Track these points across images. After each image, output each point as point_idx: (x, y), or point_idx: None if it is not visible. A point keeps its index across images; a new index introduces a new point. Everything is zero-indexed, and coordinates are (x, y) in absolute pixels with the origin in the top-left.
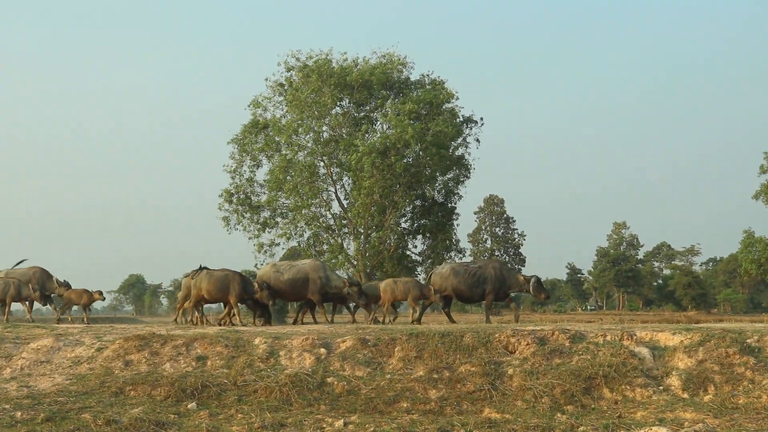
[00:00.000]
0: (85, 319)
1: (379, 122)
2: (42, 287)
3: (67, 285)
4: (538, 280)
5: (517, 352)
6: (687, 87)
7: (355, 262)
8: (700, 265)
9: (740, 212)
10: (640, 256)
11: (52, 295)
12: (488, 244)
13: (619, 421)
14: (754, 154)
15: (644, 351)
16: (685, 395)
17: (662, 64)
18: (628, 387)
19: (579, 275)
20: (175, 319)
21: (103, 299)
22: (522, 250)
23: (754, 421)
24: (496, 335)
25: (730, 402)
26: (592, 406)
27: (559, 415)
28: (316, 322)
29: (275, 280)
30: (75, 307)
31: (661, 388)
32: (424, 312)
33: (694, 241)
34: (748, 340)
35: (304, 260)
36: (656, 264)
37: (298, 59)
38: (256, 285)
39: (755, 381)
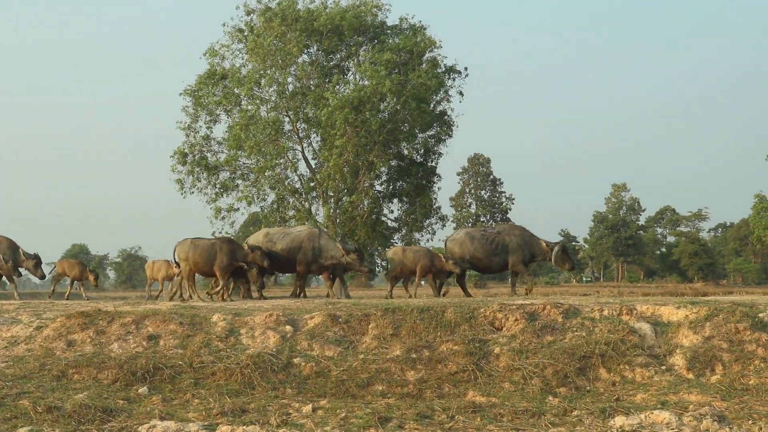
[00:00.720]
0: (84, 295)
1: (351, 72)
2: (12, 259)
3: (36, 257)
4: (563, 247)
5: (504, 328)
6: (698, 26)
7: (325, 229)
8: (708, 232)
9: (752, 173)
10: (642, 221)
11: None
12: (473, 208)
13: (617, 404)
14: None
15: (645, 327)
16: (690, 375)
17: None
18: (627, 367)
19: (574, 243)
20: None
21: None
22: (510, 215)
23: (766, 404)
24: (482, 310)
25: (740, 383)
26: (588, 388)
27: (550, 398)
28: (298, 296)
29: (267, 250)
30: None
31: (663, 367)
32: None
33: (702, 205)
34: (760, 315)
35: (299, 227)
36: (659, 230)
37: (259, 1)
38: (245, 246)
39: (767, 360)
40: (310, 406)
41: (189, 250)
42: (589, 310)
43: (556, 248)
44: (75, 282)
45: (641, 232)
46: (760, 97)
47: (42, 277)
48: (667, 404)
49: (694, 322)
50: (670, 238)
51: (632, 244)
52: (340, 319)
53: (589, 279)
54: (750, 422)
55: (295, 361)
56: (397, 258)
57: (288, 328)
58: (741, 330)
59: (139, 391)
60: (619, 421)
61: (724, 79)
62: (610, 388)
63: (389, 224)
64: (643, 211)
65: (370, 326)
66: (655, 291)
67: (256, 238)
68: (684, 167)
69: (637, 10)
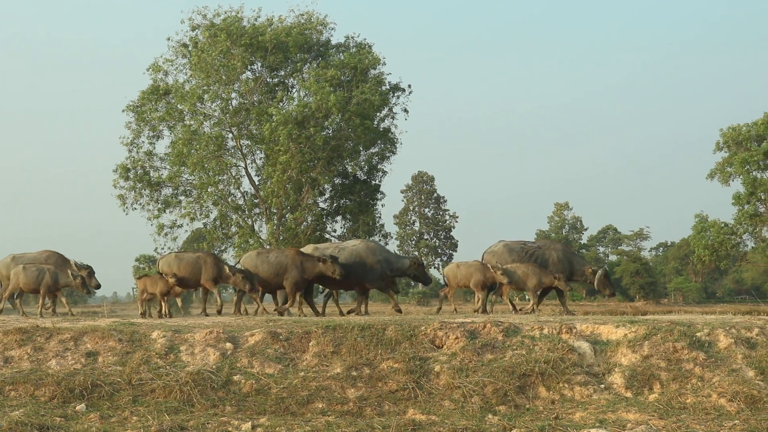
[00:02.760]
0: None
1: (296, 89)
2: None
3: (88, 268)
4: (606, 273)
5: (445, 346)
6: (635, 59)
7: (268, 246)
8: (650, 251)
9: (693, 193)
10: (584, 240)
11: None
12: (416, 226)
13: (556, 422)
14: (709, 130)
15: (584, 346)
16: (629, 394)
17: (611, 32)
18: (567, 385)
19: None
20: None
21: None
22: (453, 233)
23: (702, 422)
24: (422, 328)
25: (678, 401)
26: (527, 406)
27: (490, 416)
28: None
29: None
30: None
31: (602, 386)
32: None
33: (643, 224)
34: (698, 334)
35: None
36: (601, 249)
37: (204, 16)
38: (226, 268)
39: (705, 378)
40: (250, 423)
41: (174, 264)
42: (529, 328)
43: (599, 272)
44: None
45: (583, 250)
46: (700, 117)
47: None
48: (606, 423)
49: (632, 341)
50: (612, 257)
51: None
52: (281, 337)
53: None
54: None
55: (235, 378)
56: (452, 273)
57: (228, 345)
58: (679, 349)
59: (77, 408)
60: None
61: (664, 98)
62: (550, 406)
63: (333, 241)
64: (586, 229)
65: (310, 344)
66: (596, 309)
67: (249, 256)
68: (626, 186)
69: (565, 20)
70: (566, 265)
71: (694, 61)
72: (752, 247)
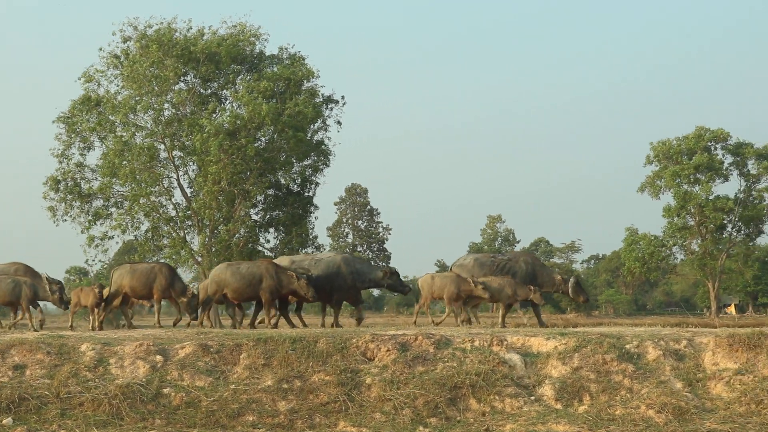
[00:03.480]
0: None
1: (228, 100)
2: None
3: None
4: (577, 280)
5: (376, 359)
6: (570, 76)
7: (200, 258)
8: (581, 263)
9: (624, 206)
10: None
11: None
12: (350, 238)
13: None
14: (640, 143)
15: (515, 358)
16: (559, 406)
17: (548, 50)
18: (497, 397)
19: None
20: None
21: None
22: (387, 245)
23: None
24: (354, 340)
25: (607, 413)
26: (458, 418)
27: (421, 428)
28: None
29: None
30: None
31: (532, 398)
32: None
33: (575, 237)
34: (627, 346)
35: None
36: None
37: (135, 28)
38: (189, 289)
39: (633, 390)
40: None
41: (127, 276)
42: (460, 340)
43: (571, 280)
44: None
45: None
46: (632, 130)
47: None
48: None
49: (563, 353)
50: None
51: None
52: (212, 349)
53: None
54: None
55: (165, 391)
56: (427, 285)
57: (158, 357)
58: (608, 361)
59: (3, 422)
60: None
61: (597, 112)
62: (480, 418)
63: (266, 254)
64: (518, 242)
65: (241, 356)
66: (527, 321)
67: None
68: (558, 199)
69: (500, 35)
70: (535, 277)
71: (625, 75)
72: (682, 260)
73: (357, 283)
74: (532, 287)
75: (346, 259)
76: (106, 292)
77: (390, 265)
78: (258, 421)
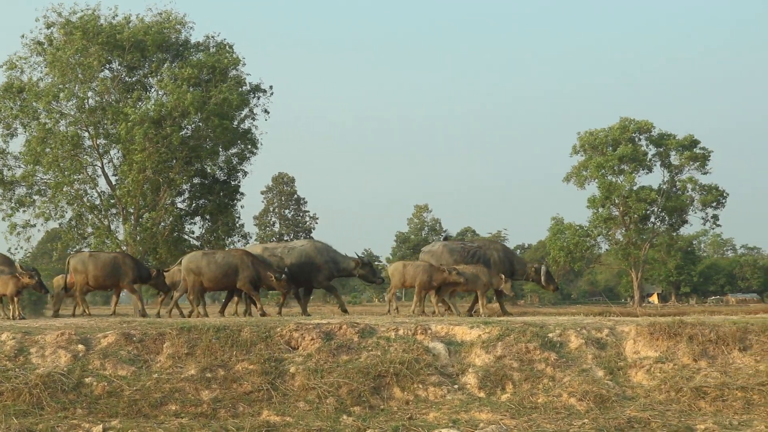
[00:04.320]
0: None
1: (153, 88)
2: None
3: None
4: (548, 268)
5: (300, 347)
6: (501, 68)
7: (125, 247)
8: None
9: (550, 196)
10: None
11: None
12: (276, 227)
13: (410, 422)
14: (566, 134)
15: (439, 347)
16: (482, 394)
17: (481, 47)
18: (421, 386)
19: (377, 263)
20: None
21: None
22: (314, 234)
23: (553, 422)
24: (278, 329)
25: (529, 401)
26: (381, 406)
27: (344, 417)
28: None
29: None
30: None
31: (456, 386)
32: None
33: (501, 227)
34: (550, 335)
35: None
36: None
37: (59, 14)
38: (154, 271)
39: (556, 378)
40: (101, 426)
41: (89, 264)
42: (385, 329)
43: (543, 268)
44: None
45: None
46: (558, 121)
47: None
48: (458, 423)
49: (486, 342)
50: None
51: None
52: (135, 338)
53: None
54: None
55: (87, 380)
56: (397, 272)
57: (80, 347)
58: (531, 349)
59: None
60: None
61: (522, 102)
62: (404, 406)
63: (191, 242)
64: (445, 231)
65: (165, 345)
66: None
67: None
68: (484, 189)
69: (435, 30)
70: (507, 265)
71: (554, 66)
72: (606, 250)
73: (332, 271)
74: (503, 276)
75: (319, 248)
76: (60, 279)
77: (362, 256)
78: (181, 410)
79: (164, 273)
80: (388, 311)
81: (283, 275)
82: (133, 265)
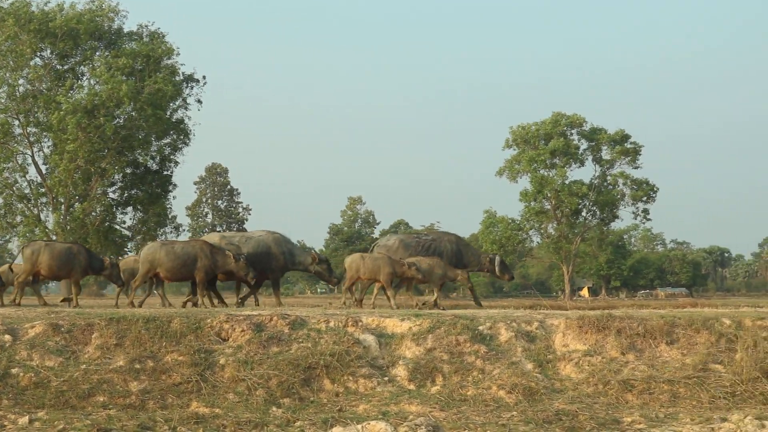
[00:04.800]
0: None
1: (86, 77)
2: None
3: None
4: (502, 259)
5: (230, 339)
6: (438, 61)
7: (55, 237)
8: None
9: (482, 189)
10: (376, 234)
11: None
12: (209, 218)
13: (339, 414)
14: (500, 128)
15: (370, 338)
16: (412, 386)
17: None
18: (351, 378)
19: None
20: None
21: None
22: (247, 225)
23: (482, 414)
24: (208, 321)
25: (459, 393)
26: (312, 398)
27: (274, 408)
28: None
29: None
30: None
31: (386, 378)
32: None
33: (434, 219)
34: (480, 327)
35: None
36: None
37: None
38: (107, 260)
39: (485, 371)
40: (27, 417)
41: (44, 254)
42: (315, 321)
43: (497, 259)
44: None
45: None
46: (491, 113)
47: None
48: (388, 414)
49: (417, 334)
50: None
51: None
52: (63, 329)
53: (324, 291)
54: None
55: (13, 371)
56: (356, 265)
57: (7, 337)
58: (461, 342)
59: None
60: (337, 431)
61: (456, 95)
62: (334, 398)
63: (123, 232)
64: (378, 224)
65: (93, 336)
66: (386, 303)
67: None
68: (418, 182)
69: (370, 18)
70: (461, 256)
71: (489, 60)
72: (538, 243)
73: (288, 264)
74: (459, 270)
75: (277, 239)
76: (16, 268)
77: (321, 253)
78: (109, 401)
79: (118, 264)
80: (344, 303)
81: (242, 256)
82: (86, 256)
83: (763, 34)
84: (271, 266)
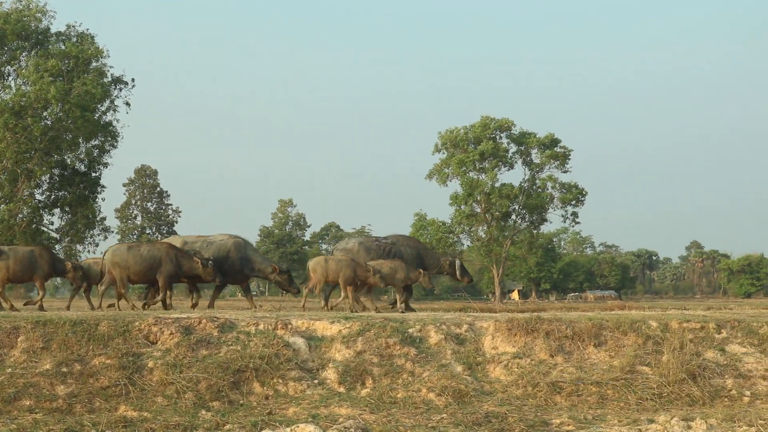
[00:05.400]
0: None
1: (11, 77)
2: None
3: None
4: (462, 262)
5: (159, 342)
6: (369, 67)
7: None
8: None
9: (413, 191)
10: (307, 237)
11: None
12: (138, 220)
13: (269, 417)
14: (430, 131)
15: (300, 341)
16: (342, 389)
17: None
18: (281, 381)
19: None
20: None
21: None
22: (176, 227)
23: (412, 416)
24: (136, 323)
25: (389, 396)
26: (241, 402)
27: (203, 412)
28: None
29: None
30: None
31: (316, 381)
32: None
33: (365, 222)
34: (410, 330)
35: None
36: (324, 246)
37: None
38: (68, 264)
39: (415, 373)
40: None
41: (9, 258)
42: (245, 324)
43: (457, 262)
44: None
45: (306, 247)
46: (420, 115)
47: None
48: (318, 417)
49: (347, 337)
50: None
51: (297, 259)
52: None
53: (255, 293)
54: None
55: None
56: (320, 268)
57: None
58: (391, 345)
59: None
60: None
61: (387, 97)
62: (263, 401)
63: (51, 234)
64: (309, 226)
65: (19, 339)
66: (316, 306)
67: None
68: (349, 184)
69: (315, 17)
70: (421, 260)
71: (419, 64)
72: (468, 246)
73: (245, 269)
74: (421, 271)
75: (237, 244)
76: None
77: (283, 265)
78: (35, 405)
79: (82, 267)
80: (303, 306)
81: (210, 262)
82: (49, 259)
83: (696, 45)
84: (227, 271)
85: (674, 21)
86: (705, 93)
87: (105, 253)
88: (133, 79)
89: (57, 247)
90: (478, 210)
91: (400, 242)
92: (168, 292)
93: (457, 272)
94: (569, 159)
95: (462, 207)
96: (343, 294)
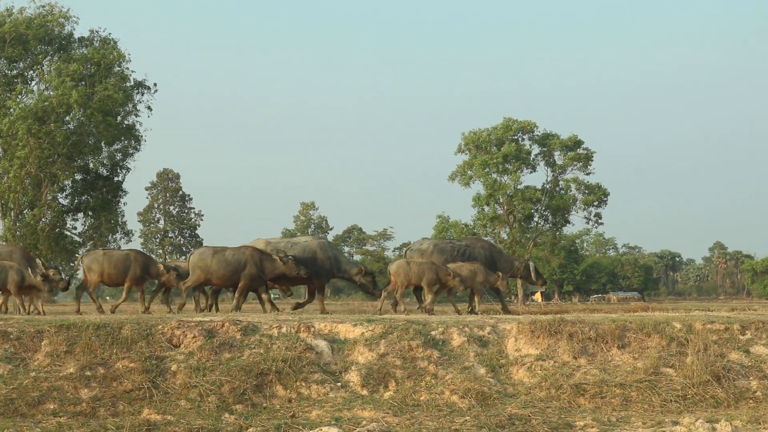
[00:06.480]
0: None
1: (35, 82)
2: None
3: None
4: (535, 265)
5: (182, 345)
6: (393, 63)
7: (3, 243)
8: (393, 251)
9: (435, 194)
10: (330, 240)
11: None
12: (161, 224)
13: (292, 420)
14: (453, 132)
15: (322, 344)
16: (365, 392)
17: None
18: (304, 384)
19: None
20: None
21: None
22: (199, 231)
23: (435, 419)
24: (160, 327)
25: (412, 398)
26: (264, 405)
27: (226, 415)
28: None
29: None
30: None
31: (339, 384)
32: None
33: (387, 225)
34: (433, 332)
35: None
36: (346, 249)
37: None
38: (161, 267)
39: (438, 376)
40: None
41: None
42: (267, 327)
43: (531, 265)
44: None
45: None
46: (442, 118)
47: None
48: (341, 420)
49: (369, 340)
50: (357, 257)
51: None
52: (12, 336)
53: (277, 296)
54: None
55: None
56: (402, 272)
57: None
58: (414, 347)
59: None
60: None
61: (408, 100)
62: (286, 404)
63: (74, 238)
64: (331, 229)
65: (43, 343)
66: (339, 308)
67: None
68: (370, 187)
69: (320, 21)
70: (494, 262)
71: (442, 66)
72: None
73: (333, 270)
74: (500, 273)
75: (322, 245)
76: None
77: (368, 267)
78: (59, 409)
79: (174, 268)
80: (379, 309)
81: (289, 257)
82: (143, 263)
83: (717, 49)
84: (317, 272)
85: (697, 17)
86: (726, 91)
87: (189, 256)
88: (155, 84)
89: (80, 251)
90: (501, 212)
91: (474, 244)
92: (240, 297)
93: (532, 274)
94: (592, 160)
95: (485, 209)
96: (428, 297)
